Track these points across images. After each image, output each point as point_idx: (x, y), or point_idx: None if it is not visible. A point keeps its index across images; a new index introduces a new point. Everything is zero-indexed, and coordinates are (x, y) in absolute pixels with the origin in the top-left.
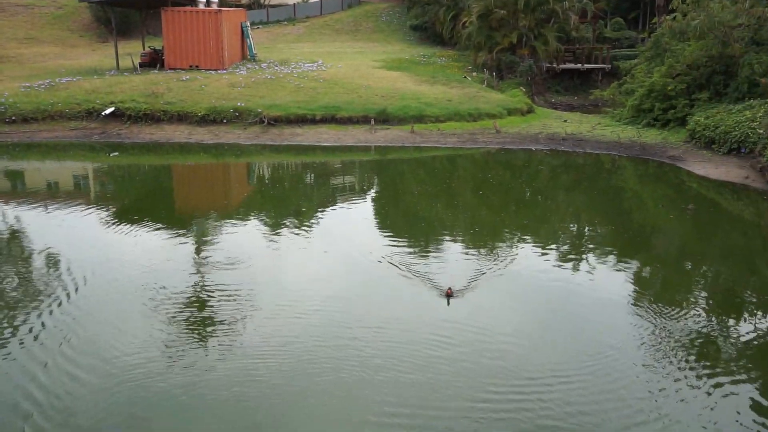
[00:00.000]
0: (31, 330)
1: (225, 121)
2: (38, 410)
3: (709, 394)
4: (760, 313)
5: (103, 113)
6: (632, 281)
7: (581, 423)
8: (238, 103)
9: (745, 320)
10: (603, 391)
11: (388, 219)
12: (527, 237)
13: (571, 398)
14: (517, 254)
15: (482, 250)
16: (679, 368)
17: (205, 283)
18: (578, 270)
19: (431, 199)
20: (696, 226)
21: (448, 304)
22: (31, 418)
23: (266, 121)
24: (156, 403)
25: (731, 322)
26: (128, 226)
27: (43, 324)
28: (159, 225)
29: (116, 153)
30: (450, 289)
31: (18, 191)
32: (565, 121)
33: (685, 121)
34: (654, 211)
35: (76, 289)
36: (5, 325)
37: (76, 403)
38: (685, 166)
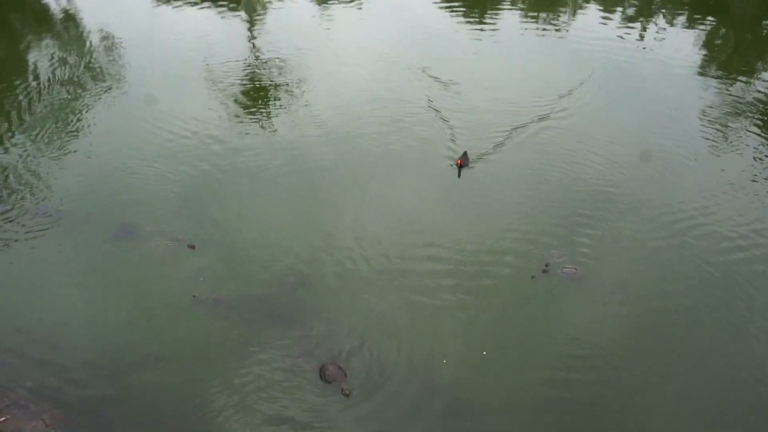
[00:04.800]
0: (97, 113)
1: None
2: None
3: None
4: None
5: None
6: (703, 42)
7: (642, 190)
8: None
9: None
10: (666, 153)
11: None
12: None
13: (629, 167)
14: (580, 14)
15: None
16: (742, 128)
17: (259, 59)
18: (646, 30)
19: None
20: None
21: (459, 176)
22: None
23: None
24: (221, 180)
25: None
26: (179, 3)
27: (108, 104)
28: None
29: None
30: (462, 157)
31: None
32: None
33: None
34: None
35: (134, 71)
36: (79, 106)
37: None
38: None
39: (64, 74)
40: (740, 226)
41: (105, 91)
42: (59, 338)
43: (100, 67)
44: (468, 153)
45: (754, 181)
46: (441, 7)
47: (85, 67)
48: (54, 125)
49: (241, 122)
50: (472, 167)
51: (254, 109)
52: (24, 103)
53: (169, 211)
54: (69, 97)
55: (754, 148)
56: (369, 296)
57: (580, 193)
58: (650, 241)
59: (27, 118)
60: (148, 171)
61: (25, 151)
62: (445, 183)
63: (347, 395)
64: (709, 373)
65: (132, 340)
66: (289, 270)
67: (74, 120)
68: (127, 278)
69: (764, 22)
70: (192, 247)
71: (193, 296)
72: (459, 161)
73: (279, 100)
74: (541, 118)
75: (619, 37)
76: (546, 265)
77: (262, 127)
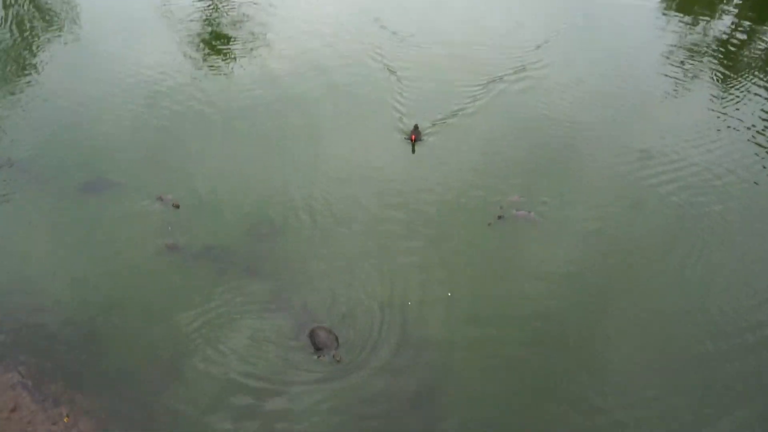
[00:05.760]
0: (50, 57)
1: None
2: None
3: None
4: None
5: None
6: None
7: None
8: None
9: None
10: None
11: None
12: None
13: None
14: None
15: None
16: (706, 68)
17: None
18: None
19: None
20: None
21: (414, 151)
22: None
23: None
24: (186, 127)
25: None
26: None
27: (63, 49)
28: None
29: None
30: (414, 130)
31: None
32: None
33: None
34: None
35: (89, 13)
36: (31, 50)
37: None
38: None
39: (13, 16)
40: (703, 170)
41: (58, 35)
42: (28, 291)
43: (51, 7)
44: (419, 126)
45: (719, 118)
46: None
47: (35, 7)
48: (4, 69)
49: (203, 67)
50: (425, 139)
51: (216, 54)
52: None
53: (136, 160)
54: (19, 40)
55: (718, 86)
56: (336, 246)
57: (541, 139)
58: (611, 183)
59: None
60: (109, 119)
61: None
62: (404, 140)
63: (338, 361)
64: (665, 313)
65: (100, 290)
66: (258, 219)
67: (26, 65)
68: (93, 229)
69: None
70: (177, 206)
71: (166, 245)
72: (413, 136)
73: (240, 44)
74: (506, 75)
75: None
76: (500, 208)
77: (224, 72)
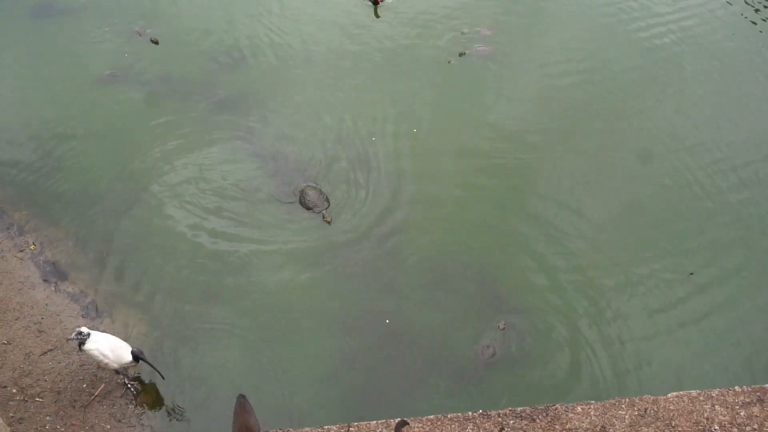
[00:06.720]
0: None
1: None
2: None
3: None
4: None
5: None
6: None
7: None
8: None
9: None
10: None
11: None
12: None
13: None
14: None
15: None
16: None
17: None
18: None
19: None
20: None
21: (377, 15)
22: None
23: None
24: None
25: None
26: None
27: None
28: None
29: None
30: None
31: None
32: None
33: None
34: None
35: None
36: None
37: None
38: None
39: None
40: (687, 16)
41: None
42: None
43: None
44: None
45: None
46: None
47: None
48: None
49: None
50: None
51: None
52: None
53: None
54: None
55: None
56: (300, 81)
57: None
58: (587, 24)
59: None
60: None
61: None
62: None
63: (329, 222)
64: (627, 154)
65: (56, 119)
66: (221, 50)
67: None
68: (46, 57)
69: None
70: (155, 42)
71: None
72: None
73: None
74: None
75: None
76: (463, 33)
77: None
